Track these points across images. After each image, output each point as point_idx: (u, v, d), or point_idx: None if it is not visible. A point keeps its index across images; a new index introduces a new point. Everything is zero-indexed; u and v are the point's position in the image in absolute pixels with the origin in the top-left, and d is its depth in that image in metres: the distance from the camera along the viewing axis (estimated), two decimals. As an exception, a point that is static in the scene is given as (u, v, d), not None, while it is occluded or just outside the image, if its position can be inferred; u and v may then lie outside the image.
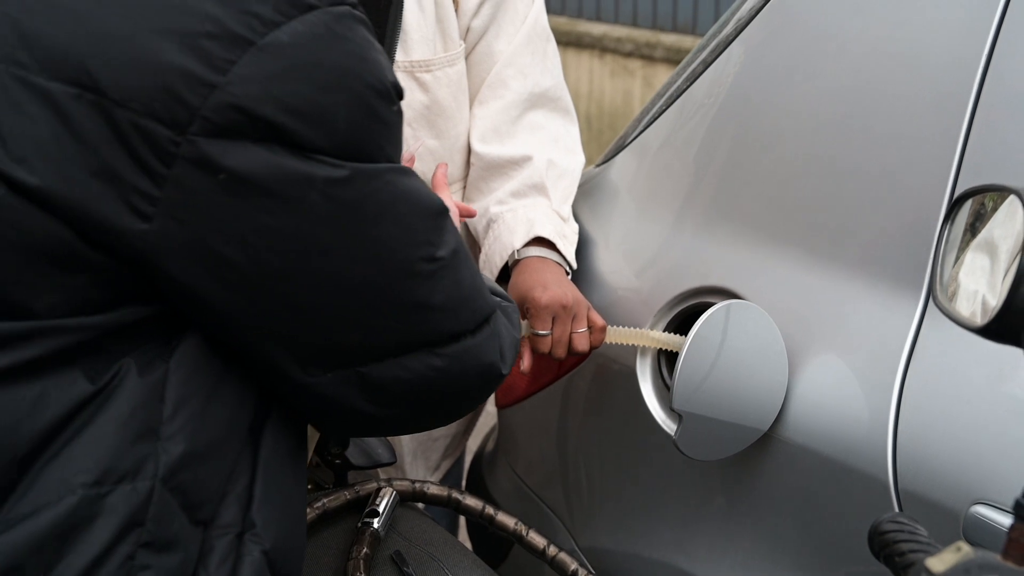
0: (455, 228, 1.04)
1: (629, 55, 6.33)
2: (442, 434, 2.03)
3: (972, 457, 1.17)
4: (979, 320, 0.86)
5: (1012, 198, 0.86)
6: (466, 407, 1.15)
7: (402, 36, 1.68)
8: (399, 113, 0.98)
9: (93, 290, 0.89)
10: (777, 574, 1.38)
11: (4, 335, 0.86)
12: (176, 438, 0.91)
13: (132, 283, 0.90)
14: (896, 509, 1.22)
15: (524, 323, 1.57)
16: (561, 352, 1.55)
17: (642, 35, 6.30)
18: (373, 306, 0.97)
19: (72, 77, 0.85)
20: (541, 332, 1.55)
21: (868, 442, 1.25)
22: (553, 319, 1.55)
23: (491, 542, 2.01)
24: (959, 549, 0.74)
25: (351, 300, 0.96)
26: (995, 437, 1.15)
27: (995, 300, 0.88)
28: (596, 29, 6.56)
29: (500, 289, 1.15)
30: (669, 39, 6.16)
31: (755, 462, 1.41)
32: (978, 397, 1.19)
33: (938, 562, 0.74)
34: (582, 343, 1.55)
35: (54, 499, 0.86)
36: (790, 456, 1.36)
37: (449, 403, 1.10)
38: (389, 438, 1.90)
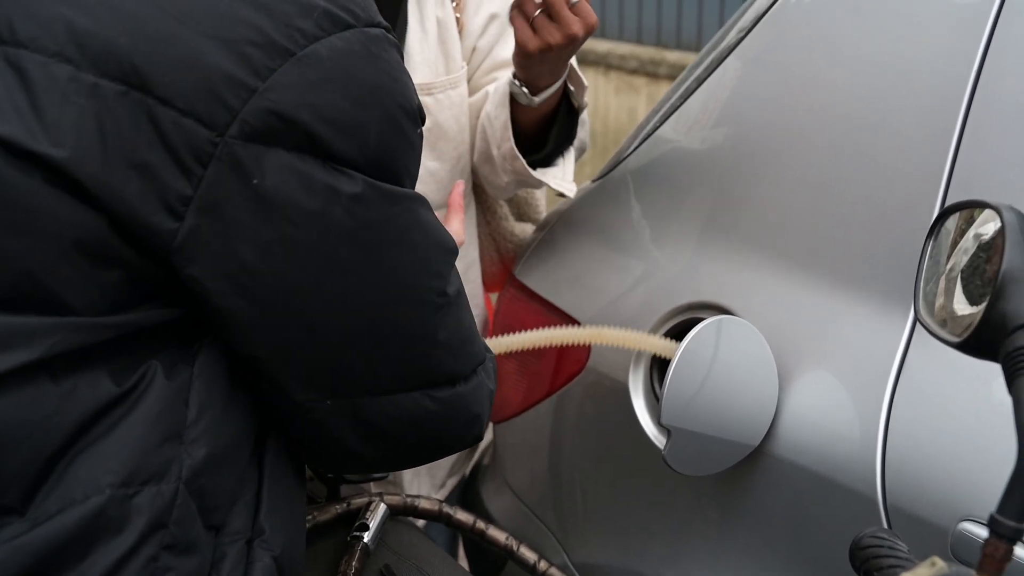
0: (458, 272, 1.07)
1: (634, 72, 6.36)
2: None
3: (960, 474, 1.17)
4: (959, 335, 0.86)
5: (992, 213, 0.86)
6: (440, 454, 1.17)
7: (405, 58, 1.69)
8: (422, 137, 1.02)
9: (125, 287, 0.90)
10: (767, 590, 1.38)
11: (36, 329, 0.87)
12: (199, 442, 0.93)
13: (161, 283, 0.92)
14: (885, 526, 1.22)
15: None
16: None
17: (646, 52, 6.32)
18: (381, 332, 0.99)
19: (120, 75, 0.87)
20: None
21: (857, 458, 1.25)
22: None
23: (486, 559, 2.01)
24: (934, 564, 0.74)
25: (361, 322, 0.98)
26: (982, 454, 1.15)
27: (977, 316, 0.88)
28: (601, 46, 6.58)
29: (483, 342, 1.17)
30: (673, 56, 6.18)
31: (746, 478, 1.41)
32: (965, 413, 1.19)
33: (913, 577, 0.74)
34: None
35: (81, 498, 0.86)
36: (780, 472, 1.36)
37: (429, 448, 1.13)
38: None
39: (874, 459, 1.24)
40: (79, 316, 0.88)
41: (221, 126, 0.87)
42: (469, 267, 1.91)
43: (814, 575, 1.33)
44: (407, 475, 1.96)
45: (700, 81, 1.64)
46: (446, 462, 2.04)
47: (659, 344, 1.43)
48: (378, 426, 1.03)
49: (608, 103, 6.56)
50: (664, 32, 6.33)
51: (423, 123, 1.01)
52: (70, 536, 0.85)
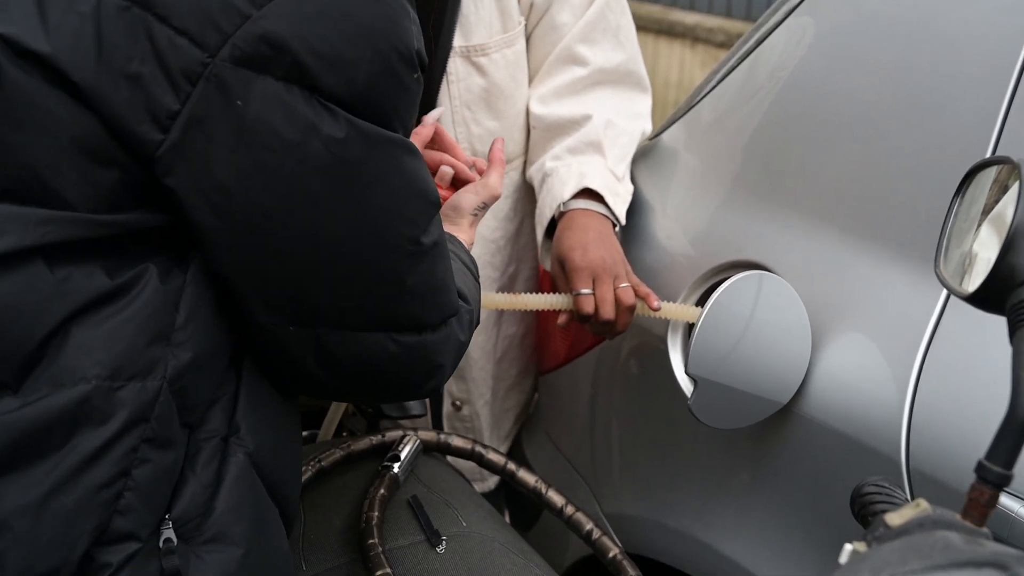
0: (441, 223, 1.09)
1: (721, 45, 6.29)
2: (513, 404, 2.07)
3: (984, 440, 1.16)
4: (970, 288, 0.86)
5: (1009, 169, 0.86)
6: (398, 396, 1.19)
7: (461, 20, 1.70)
8: (419, 81, 1.03)
9: (121, 188, 0.95)
10: (788, 548, 1.39)
11: (31, 218, 0.92)
12: (185, 345, 0.98)
13: (154, 189, 0.96)
14: (907, 489, 1.22)
15: (562, 296, 1.58)
16: (609, 310, 1.53)
17: (734, 26, 6.25)
18: (346, 268, 1.01)
19: None
20: (583, 291, 1.55)
21: (883, 421, 1.25)
22: (594, 280, 1.56)
23: (524, 508, 2.05)
24: (918, 505, 0.75)
25: (326, 255, 1.00)
26: (1006, 420, 1.14)
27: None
28: (689, 18, 6.52)
29: (464, 291, 1.18)
30: (762, 31, 6.09)
31: (775, 436, 1.41)
32: (994, 381, 1.18)
33: (896, 516, 0.75)
34: (627, 296, 1.53)
35: (68, 383, 0.91)
36: (808, 431, 1.36)
37: (390, 389, 1.15)
38: (467, 414, 1.95)
39: (900, 422, 1.24)
40: (76, 211, 0.93)
41: (212, 48, 0.91)
42: (522, 222, 1.93)
43: (834, 535, 1.33)
44: (484, 432, 2.00)
45: (759, 42, 1.63)
46: (511, 415, 2.07)
47: (682, 311, 1.44)
48: (338, 358, 1.06)
49: (694, 76, 6.50)
50: (754, 6, 6.25)
51: (424, 69, 1.02)
52: (54, 419, 0.90)
